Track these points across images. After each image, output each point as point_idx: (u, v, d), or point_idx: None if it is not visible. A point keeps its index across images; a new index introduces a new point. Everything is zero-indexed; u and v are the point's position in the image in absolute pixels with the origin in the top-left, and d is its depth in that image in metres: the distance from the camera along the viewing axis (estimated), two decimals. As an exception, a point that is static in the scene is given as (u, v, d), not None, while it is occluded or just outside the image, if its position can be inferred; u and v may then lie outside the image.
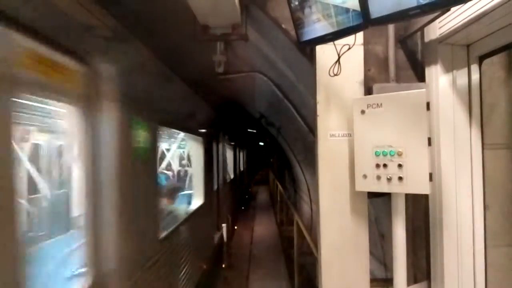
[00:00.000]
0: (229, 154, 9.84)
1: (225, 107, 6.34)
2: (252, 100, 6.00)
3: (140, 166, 2.38)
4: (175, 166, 6.60)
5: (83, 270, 1.61)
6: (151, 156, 2.66)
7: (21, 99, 1.33)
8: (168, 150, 6.25)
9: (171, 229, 3.04)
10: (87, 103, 1.69)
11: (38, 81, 1.36)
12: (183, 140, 4.86)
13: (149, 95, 2.58)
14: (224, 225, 6.27)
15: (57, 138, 1.97)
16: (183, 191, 5.01)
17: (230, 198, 7.94)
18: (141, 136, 2.40)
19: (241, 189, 13.59)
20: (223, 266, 5.91)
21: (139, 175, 2.35)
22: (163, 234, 2.81)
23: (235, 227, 8.94)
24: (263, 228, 9.21)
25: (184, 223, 3.56)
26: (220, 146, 6.56)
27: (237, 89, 4.95)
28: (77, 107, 1.65)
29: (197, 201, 4.61)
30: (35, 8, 1.32)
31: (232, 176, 9.90)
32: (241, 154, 14.76)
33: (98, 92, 1.76)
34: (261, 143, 18.32)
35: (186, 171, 6.16)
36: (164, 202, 3.94)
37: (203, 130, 4.70)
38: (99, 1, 1.73)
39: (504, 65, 1.80)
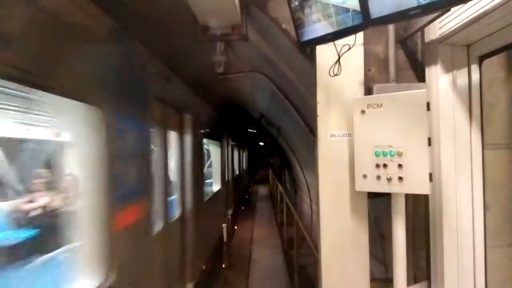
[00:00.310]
0: (234, 154, 10.71)
1: (226, 107, 6.35)
2: (252, 100, 6.00)
3: (198, 161, 4.47)
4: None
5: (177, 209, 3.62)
6: (201, 155, 5.07)
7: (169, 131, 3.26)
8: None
9: (206, 198, 5.22)
10: (180, 129, 3.64)
11: (170, 123, 3.24)
12: (205, 144, 6.62)
13: (201, 122, 4.66)
14: (224, 225, 6.30)
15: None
16: (208, 179, 6.79)
17: (235, 189, 10.22)
18: (198, 145, 4.51)
19: (241, 188, 13.67)
20: (223, 266, 5.91)
21: (198, 167, 4.54)
22: (205, 199, 5.07)
23: (235, 227, 8.93)
24: (263, 229, 9.20)
25: (211, 198, 5.70)
26: (229, 147, 8.61)
27: (237, 89, 4.95)
28: (176, 132, 3.52)
29: (216, 187, 6.74)
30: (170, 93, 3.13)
31: (237, 173, 11.74)
32: (242, 154, 14.82)
33: (184, 124, 3.75)
34: (261, 143, 18.31)
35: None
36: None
37: (218, 135, 6.75)
38: (99, 2, 1.73)
39: (504, 65, 1.80)
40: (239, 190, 11.92)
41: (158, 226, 2.85)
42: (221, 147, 7.23)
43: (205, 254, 4.86)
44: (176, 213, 3.55)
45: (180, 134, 3.66)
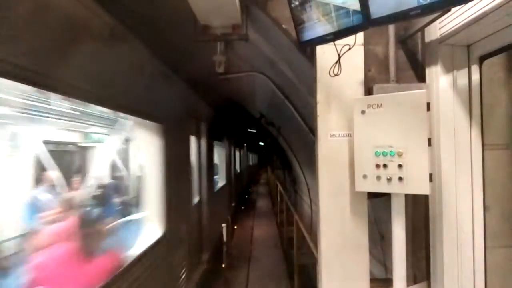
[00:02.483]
0: (234, 155, 11.17)
1: (225, 107, 6.35)
2: (252, 100, 6.00)
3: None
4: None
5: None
6: (227, 157, 8.32)
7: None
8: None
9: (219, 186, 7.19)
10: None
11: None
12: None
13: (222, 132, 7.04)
14: (224, 225, 6.31)
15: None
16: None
17: (236, 185, 11.54)
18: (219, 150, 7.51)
19: (241, 189, 13.75)
20: (223, 266, 5.92)
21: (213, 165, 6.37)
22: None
23: (235, 227, 8.93)
24: (262, 229, 9.20)
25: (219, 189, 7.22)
26: (232, 150, 10.35)
27: (237, 89, 4.95)
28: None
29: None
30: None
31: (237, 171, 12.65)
32: (242, 154, 14.83)
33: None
34: (261, 143, 18.31)
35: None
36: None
37: (225, 138, 8.31)
38: (100, 1, 1.73)
39: (504, 65, 1.80)
40: (239, 190, 12.20)
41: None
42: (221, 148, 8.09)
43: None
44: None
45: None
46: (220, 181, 7.72)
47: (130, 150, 6.41)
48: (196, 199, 4.63)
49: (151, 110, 2.76)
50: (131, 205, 4.77)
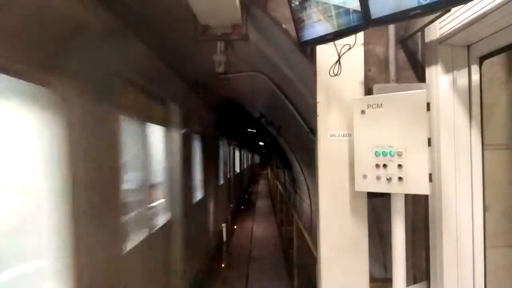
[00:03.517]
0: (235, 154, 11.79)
1: (225, 106, 6.35)
2: (252, 100, 6.00)
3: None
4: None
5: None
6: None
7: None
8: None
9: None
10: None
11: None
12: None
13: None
14: (223, 224, 6.31)
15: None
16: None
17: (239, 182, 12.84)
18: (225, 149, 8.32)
19: (241, 189, 13.82)
20: (223, 266, 5.92)
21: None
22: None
23: (235, 227, 8.94)
24: (262, 228, 9.21)
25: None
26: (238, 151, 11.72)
27: (237, 89, 4.95)
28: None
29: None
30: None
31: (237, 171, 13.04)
32: (242, 154, 14.86)
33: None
34: (261, 143, 18.33)
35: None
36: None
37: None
38: (100, 0, 1.73)
39: (504, 65, 1.80)
40: (239, 190, 12.36)
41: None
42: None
43: None
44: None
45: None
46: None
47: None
48: None
49: None
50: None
